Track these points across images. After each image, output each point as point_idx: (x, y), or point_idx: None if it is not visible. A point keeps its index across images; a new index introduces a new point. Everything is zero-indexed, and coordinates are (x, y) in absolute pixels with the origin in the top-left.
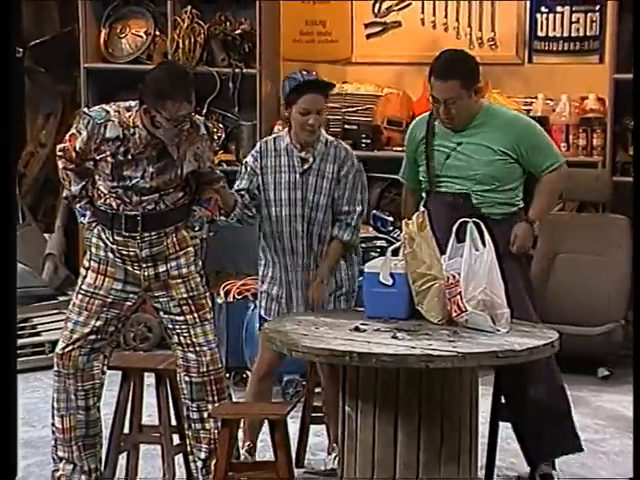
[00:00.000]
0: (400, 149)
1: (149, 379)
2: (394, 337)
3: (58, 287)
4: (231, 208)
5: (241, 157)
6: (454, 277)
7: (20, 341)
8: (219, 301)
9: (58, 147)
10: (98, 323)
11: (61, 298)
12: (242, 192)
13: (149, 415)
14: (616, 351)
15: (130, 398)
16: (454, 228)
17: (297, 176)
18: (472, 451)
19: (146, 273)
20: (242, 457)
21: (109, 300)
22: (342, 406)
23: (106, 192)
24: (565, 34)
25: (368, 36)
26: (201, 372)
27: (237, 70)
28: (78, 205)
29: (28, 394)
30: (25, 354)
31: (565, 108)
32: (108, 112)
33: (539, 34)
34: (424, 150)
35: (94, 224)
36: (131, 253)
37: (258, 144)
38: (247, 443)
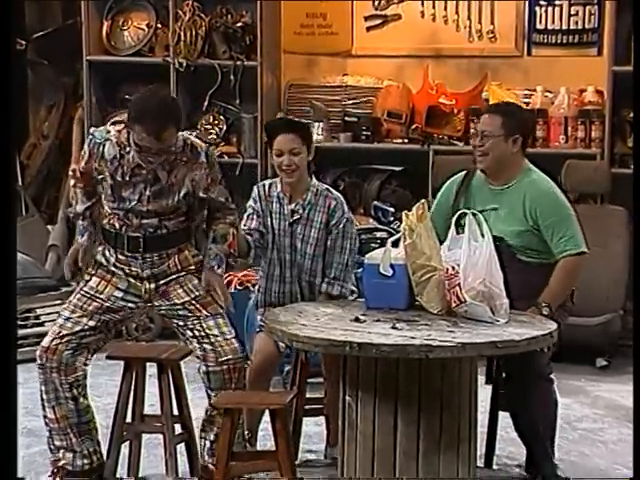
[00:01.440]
0: (400, 141)
1: (151, 369)
2: (394, 327)
3: (61, 278)
4: (245, 252)
5: (242, 149)
6: (453, 268)
7: (23, 331)
8: None
9: (70, 168)
10: (91, 323)
11: (64, 289)
12: (252, 232)
13: (151, 405)
14: (614, 341)
15: (132, 388)
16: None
17: (287, 224)
18: (471, 440)
19: (147, 286)
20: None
21: (107, 304)
22: (342, 396)
23: (110, 212)
24: (564, 27)
25: (368, 29)
26: (219, 362)
27: (238, 62)
28: (80, 223)
29: (31, 384)
30: (29, 344)
31: (564, 100)
32: (109, 132)
33: (538, 27)
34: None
35: (94, 243)
36: (133, 272)
37: (255, 188)
38: (246, 432)
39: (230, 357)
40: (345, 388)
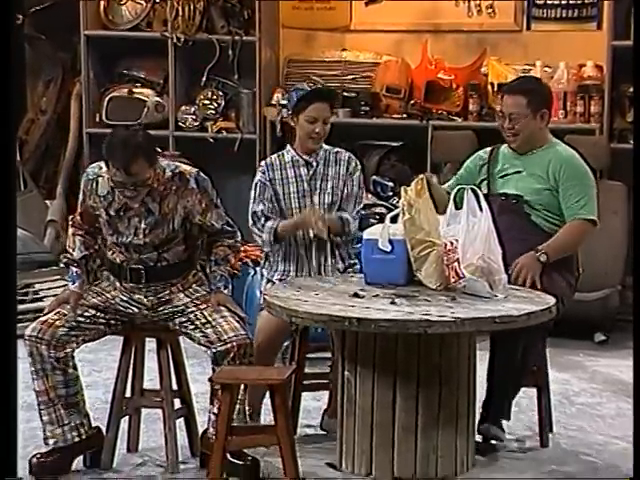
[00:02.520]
0: (398, 116)
1: (150, 344)
2: (393, 303)
3: (60, 253)
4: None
5: (241, 125)
6: (452, 244)
7: (22, 307)
8: None
9: (70, 217)
10: (92, 311)
11: (62, 264)
12: (258, 214)
13: (150, 380)
14: (612, 316)
15: (132, 363)
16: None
17: (305, 185)
18: (470, 415)
19: (150, 298)
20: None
21: (111, 302)
22: (341, 371)
23: (111, 246)
24: (563, 1)
25: (367, 3)
26: (222, 340)
27: (236, 37)
28: (74, 270)
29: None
30: (28, 319)
31: (563, 75)
32: (101, 168)
33: (537, 1)
34: (485, 173)
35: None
36: (136, 299)
37: (263, 162)
38: (247, 408)
39: (232, 334)
40: (344, 363)
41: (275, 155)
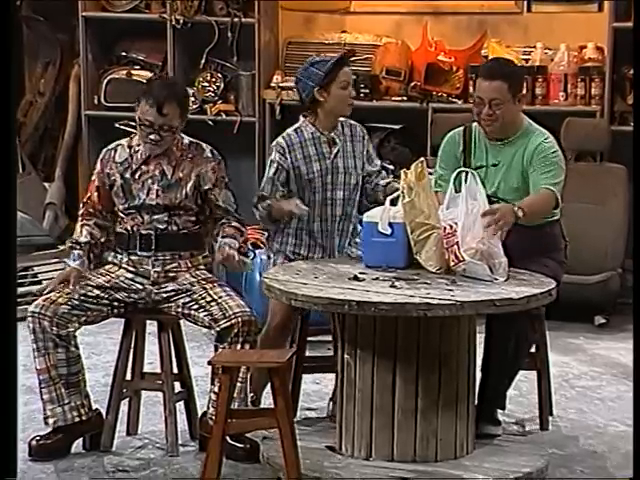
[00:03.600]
0: (398, 99)
1: (151, 327)
2: (392, 286)
3: (59, 236)
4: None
5: (240, 108)
6: (451, 227)
7: (21, 289)
8: None
9: (81, 202)
10: (96, 291)
11: (61, 247)
12: (266, 195)
13: (150, 363)
14: (612, 299)
15: (132, 345)
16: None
17: (327, 162)
18: (469, 398)
19: (156, 269)
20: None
21: (115, 280)
22: (341, 354)
23: (123, 217)
24: None
25: None
26: (227, 316)
27: (235, 19)
28: (76, 252)
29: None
30: (26, 302)
31: (564, 57)
32: (120, 142)
33: None
34: (462, 160)
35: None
36: (144, 270)
37: (279, 140)
38: (251, 394)
39: (237, 311)
40: (344, 346)
41: (292, 131)
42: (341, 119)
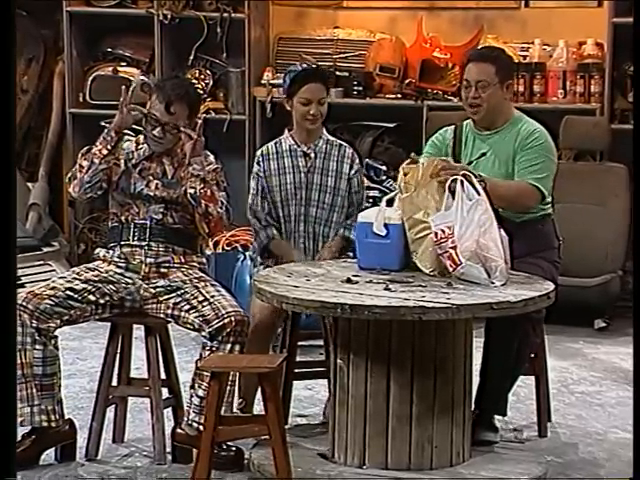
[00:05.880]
0: (392, 96)
1: (138, 332)
2: (387, 289)
3: (42, 237)
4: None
5: (229, 105)
6: (444, 232)
7: None
8: (208, 252)
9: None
10: (83, 285)
11: (45, 249)
12: (258, 212)
13: (137, 368)
14: (613, 302)
15: (119, 350)
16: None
17: (302, 176)
18: (465, 404)
19: (147, 261)
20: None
21: (105, 275)
22: (333, 359)
23: (117, 211)
24: None
25: None
26: (220, 315)
27: (225, 14)
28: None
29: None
30: None
31: (562, 54)
32: (129, 137)
33: None
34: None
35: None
36: (136, 261)
37: (260, 150)
38: (239, 401)
39: (230, 310)
40: (337, 350)
41: (272, 143)
42: (330, 138)
